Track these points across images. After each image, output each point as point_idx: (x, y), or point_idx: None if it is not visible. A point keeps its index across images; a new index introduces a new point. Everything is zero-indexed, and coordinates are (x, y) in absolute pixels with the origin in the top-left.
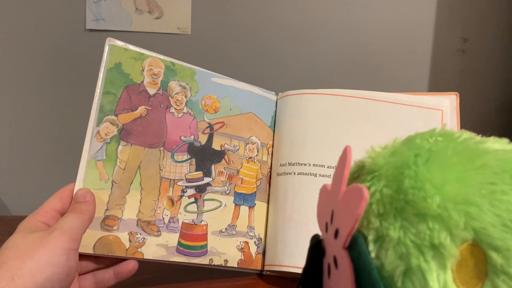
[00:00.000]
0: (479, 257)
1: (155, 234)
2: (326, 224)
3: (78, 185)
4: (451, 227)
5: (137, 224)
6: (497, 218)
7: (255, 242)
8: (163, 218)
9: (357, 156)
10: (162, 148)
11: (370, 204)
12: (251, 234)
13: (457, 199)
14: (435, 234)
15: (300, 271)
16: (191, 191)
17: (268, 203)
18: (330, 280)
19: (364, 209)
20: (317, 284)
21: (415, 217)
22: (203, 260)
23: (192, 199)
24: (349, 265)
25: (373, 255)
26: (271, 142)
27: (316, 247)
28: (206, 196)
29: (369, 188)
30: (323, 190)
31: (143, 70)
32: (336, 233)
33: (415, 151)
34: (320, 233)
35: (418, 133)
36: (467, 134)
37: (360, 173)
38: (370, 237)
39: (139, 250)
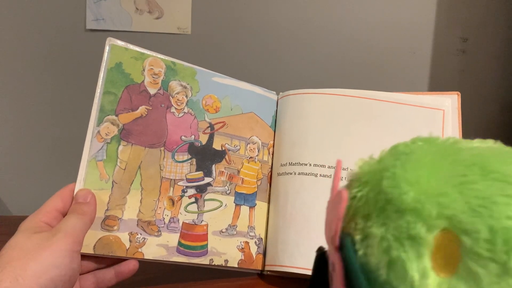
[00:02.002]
0: (452, 243)
1: (156, 234)
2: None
3: (79, 185)
4: (425, 218)
5: (137, 224)
6: (466, 205)
7: (255, 242)
8: (164, 218)
9: (357, 156)
10: (162, 148)
11: (357, 208)
12: (251, 234)
13: (430, 192)
14: (411, 226)
15: (300, 271)
16: (191, 191)
17: (268, 203)
18: (332, 286)
19: (343, 209)
20: None
21: (395, 213)
22: (203, 260)
23: (193, 199)
24: (339, 264)
25: (361, 253)
26: (272, 142)
27: (321, 258)
28: (207, 196)
29: (356, 193)
30: (328, 205)
31: (144, 70)
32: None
33: (396, 156)
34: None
35: (402, 142)
36: (447, 137)
37: (351, 181)
38: (358, 237)
39: (140, 250)
